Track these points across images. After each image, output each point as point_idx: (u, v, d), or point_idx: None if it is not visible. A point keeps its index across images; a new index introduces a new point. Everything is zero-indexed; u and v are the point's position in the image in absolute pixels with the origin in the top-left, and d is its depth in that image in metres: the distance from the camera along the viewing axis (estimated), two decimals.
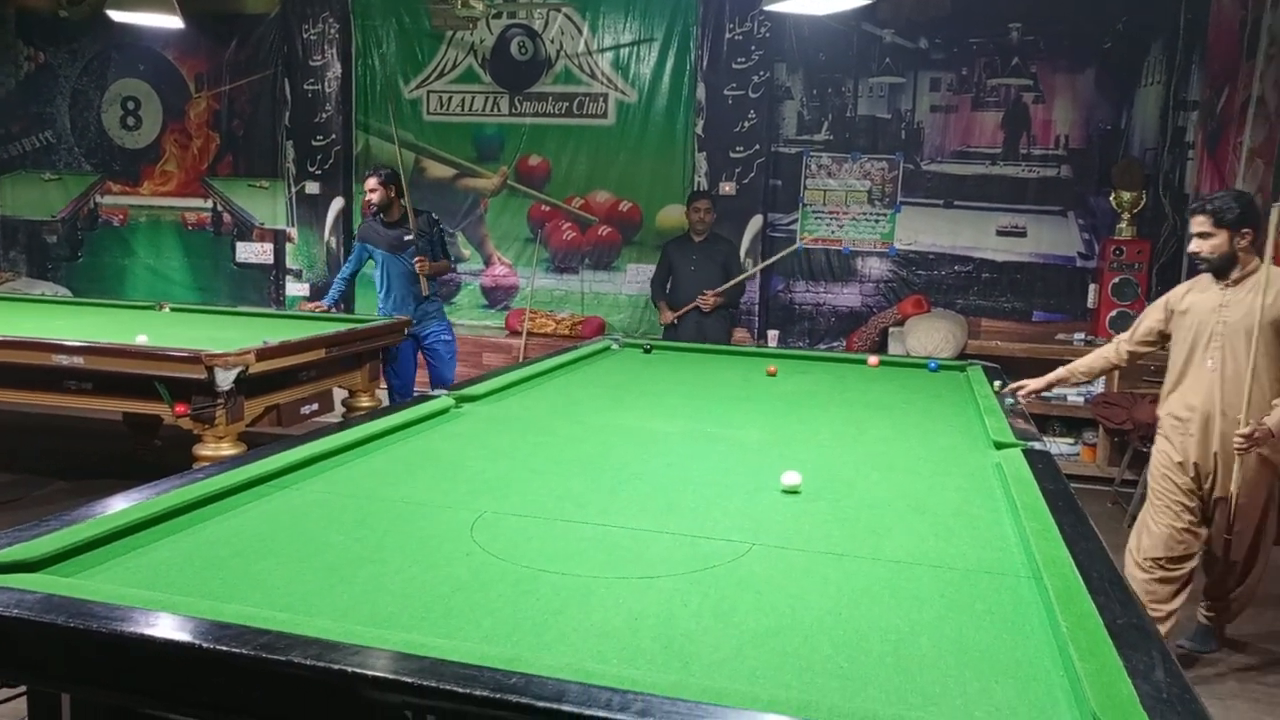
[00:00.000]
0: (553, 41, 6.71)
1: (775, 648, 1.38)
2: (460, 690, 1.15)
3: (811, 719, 1.12)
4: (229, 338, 4.21)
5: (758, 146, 6.35)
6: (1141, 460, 4.80)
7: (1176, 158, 5.90)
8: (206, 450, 3.83)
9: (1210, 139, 5.67)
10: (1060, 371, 3.69)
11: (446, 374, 5.50)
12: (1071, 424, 5.80)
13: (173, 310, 5.55)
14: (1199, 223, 3.30)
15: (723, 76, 6.36)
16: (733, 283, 5.49)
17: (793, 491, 2.16)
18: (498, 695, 1.14)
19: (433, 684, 1.16)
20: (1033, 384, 3.64)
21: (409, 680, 1.17)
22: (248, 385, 3.92)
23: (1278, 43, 4.90)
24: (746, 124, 6.33)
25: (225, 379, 3.74)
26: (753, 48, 6.28)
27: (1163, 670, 1.27)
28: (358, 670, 1.20)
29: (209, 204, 7.57)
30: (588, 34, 6.64)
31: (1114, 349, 3.67)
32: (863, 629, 1.45)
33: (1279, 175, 4.74)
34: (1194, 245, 3.34)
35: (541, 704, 1.13)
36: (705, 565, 1.70)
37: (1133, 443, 4.91)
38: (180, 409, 3.86)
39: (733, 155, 6.38)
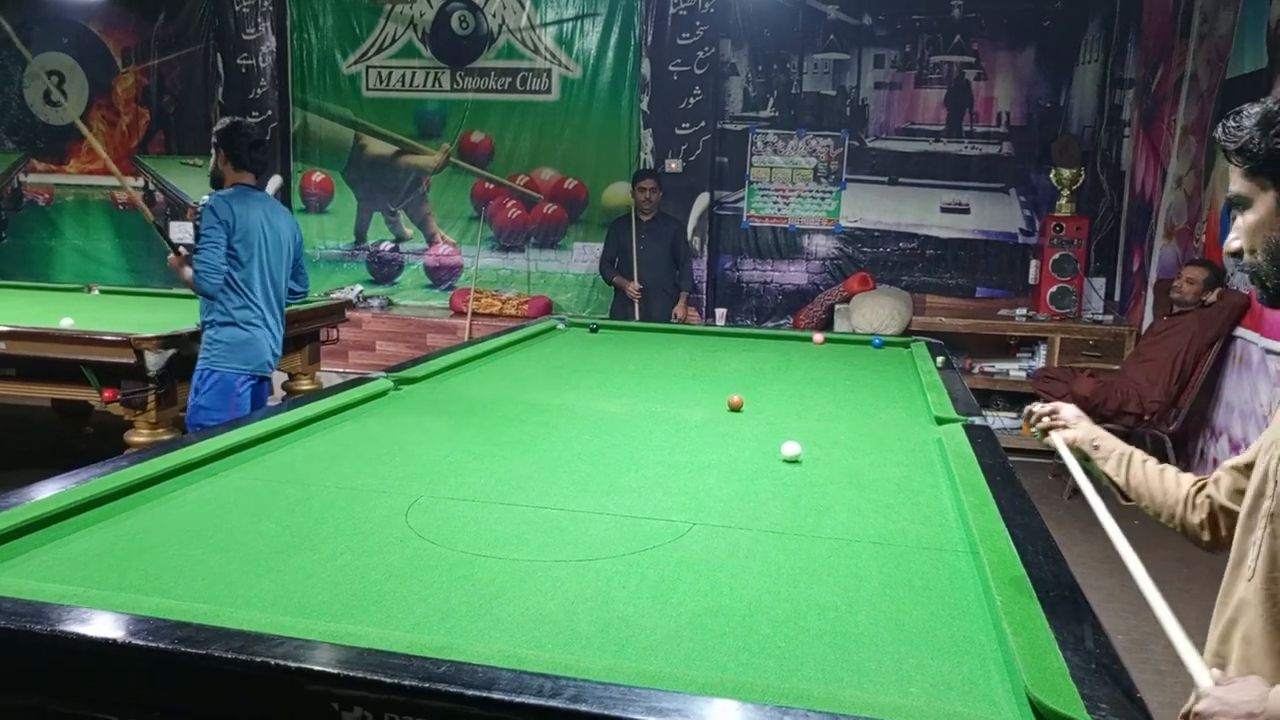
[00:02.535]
0: (494, 16, 6.59)
1: (713, 628, 1.37)
2: (387, 680, 1.12)
3: (746, 700, 1.11)
4: (161, 320, 4.08)
5: (704, 123, 6.31)
6: None
7: (1113, 135, 6.00)
8: (139, 437, 3.72)
9: (1145, 116, 5.78)
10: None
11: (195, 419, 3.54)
12: (1014, 398, 5.90)
13: (102, 293, 5.37)
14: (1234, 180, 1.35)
15: (667, 52, 6.30)
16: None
17: (794, 461, 2.21)
18: (426, 684, 1.11)
19: (359, 674, 1.13)
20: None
21: (334, 671, 1.13)
22: (181, 369, 3.80)
23: (1209, 22, 4.99)
24: (692, 100, 6.29)
25: (156, 363, 3.64)
26: (697, 23, 6.23)
27: (1093, 641, 1.28)
28: (281, 663, 1.16)
29: (140, 182, 7.33)
30: (530, 8, 6.53)
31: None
32: (801, 607, 1.45)
33: (1211, 153, 4.84)
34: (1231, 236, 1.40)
35: (471, 692, 1.10)
36: (645, 546, 1.68)
37: None
38: (108, 394, 3.74)
39: (679, 132, 6.34)
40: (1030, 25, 5.99)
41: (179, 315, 4.25)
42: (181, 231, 5.44)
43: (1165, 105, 5.46)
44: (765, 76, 6.36)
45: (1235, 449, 4.27)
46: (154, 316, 4.27)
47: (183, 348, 3.72)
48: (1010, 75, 6.08)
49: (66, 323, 3.92)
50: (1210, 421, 4.65)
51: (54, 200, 7.46)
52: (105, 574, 1.50)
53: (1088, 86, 6.02)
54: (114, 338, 3.64)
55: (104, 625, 1.24)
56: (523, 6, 6.54)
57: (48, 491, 1.77)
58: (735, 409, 2.74)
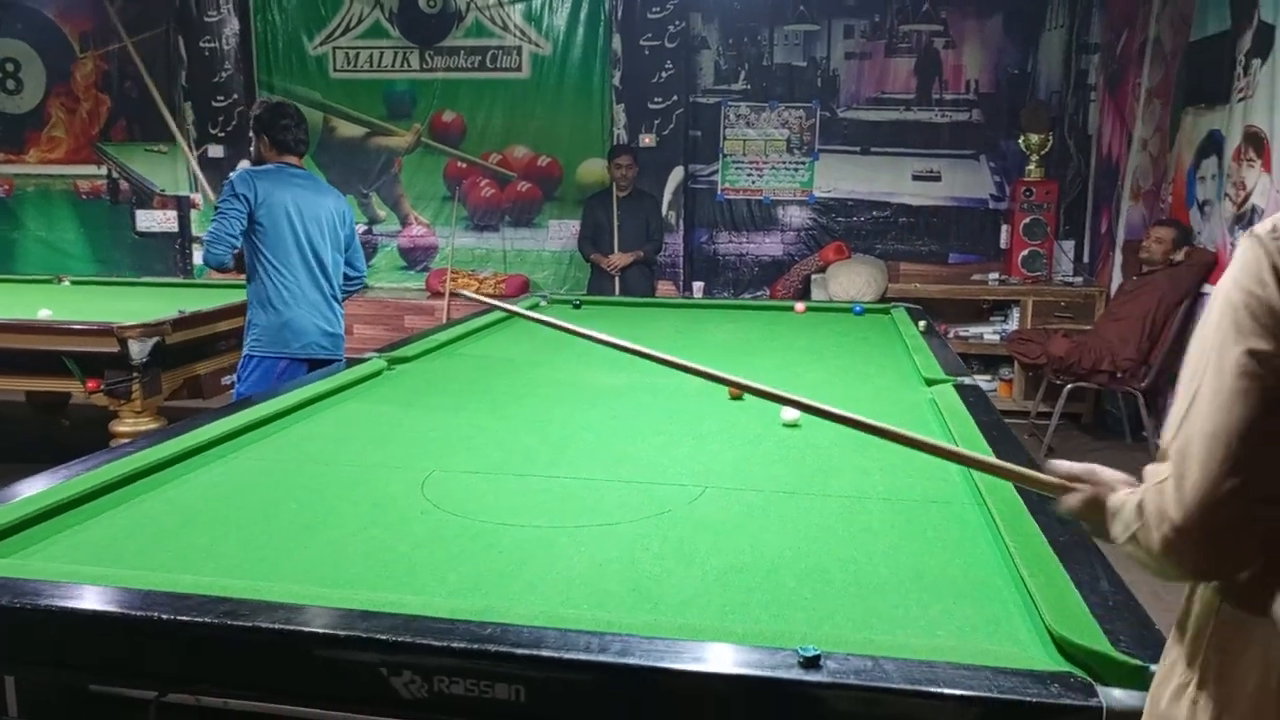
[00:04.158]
0: None
1: (740, 584, 1.41)
2: (437, 644, 1.14)
3: (784, 648, 1.15)
4: (139, 308, 4.03)
5: (676, 97, 6.31)
6: (1054, 393, 5.01)
7: (1080, 100, 6.09)
8: (124, 427, 3.68)
9: (1111, 81, 5.86)
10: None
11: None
12: (989, 361, 6.00)
13: (73, 283, 5.28)
14: None
15: (638, 26, 6.28)
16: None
17: (793, 426, 2.25)
18: (476, 646, 1.14)
19: (408, 639, 1.16)
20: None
21: (383, 638, 1.16)
22: (164, 357, 3.77)
23: None
24: (664, 74, 6.28)
25: (140, 351, 3.60)
26: None
27: (1107, 581, 1.34)
28: (328, 631, 1.18)
29: (103, 171, 7.19)
30: None
31: None
32: (822, 562, 1.49)
33: (1176, 116, 4.93)
34: None
35: (521, 651, 1.13)
36: (662, 510, 1.71)
37: (1047, 376, 5.12)
38: (92, 385, 3.70)
39: (651, 106, 6.33)
40: None
41: (158, 304, 4.20)
42: None
43: (1130, 69, 5.54)
44: (736, 49, 6.36)
45: None
46: (133, 305, 4.22)
47: (166, 336, 3.69)
48: (978, 43, 6.13)
49: (45, 314, 3.87)
50: (1180, 378, 4.78)
51: (14, 191, 7.30)
52: (132, 556, 1.51)
53: (1054, 52, 6.09)
54: (96, 327, 3.59)
55: (144, 602, 1.26)
56: None
57: (53, 481, 1.76)
58: (736, 396, 2.56)
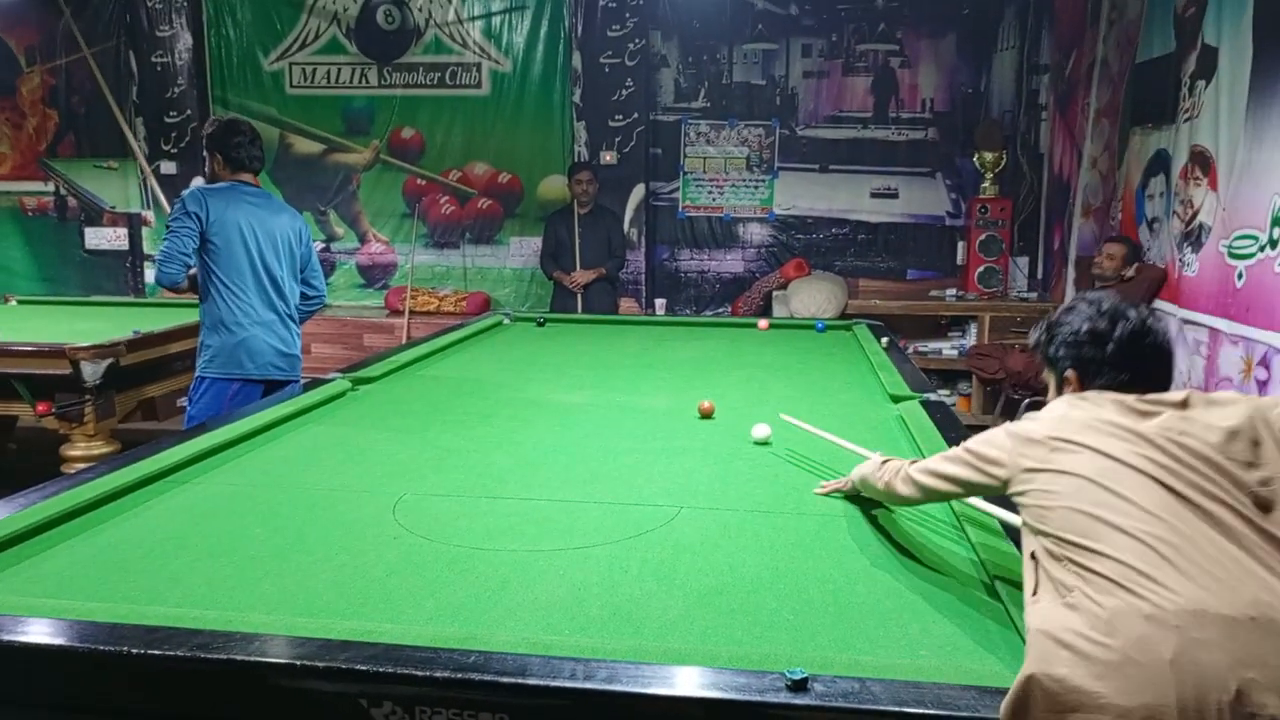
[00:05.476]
0: (420, 10, 6.49)
1: (721, 606, 1.40)
2: (419, 674, 1.12)
3: (771, 671, 1.14)
4: (91, 329, 3.94)
5: (636, 115, 6.33)
6: (1013, 407, 5.09)
7: (1032, 119, 6.22)
8: (76, 451, 3.59)
9: (1061, 100, 6.00)
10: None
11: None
12: (947, 376, 6.09)
13: (20, 303, 5.14)
14: None
15: (598, 44, 6.30)
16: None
17: (764, 443, 2.27)
18: (459, 675, 1.12)
19: (389, 669, 1.13)
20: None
21: (363, 668, 1.14)
22: (118, 379, 3.68)
23: (1119, 8, 5.21)
24: (624, 92, 6.31)
25: (94, 373, 3.51)
26: (627, 14, 6.24)
27: None
28: (306, 663, 1.16)
29: (50, 187, 7.02)
30: (457, 2, 6.46)
31: None
32: (801, 582, 1.49)
33: (1124, 135, 5.06)
34: None
35: (506, 680, 1.11)
36: (639, 531, 1.71)
37: (1005, 391, 5.20)
38: (42, 408, 3.59)
39: (612, 124, 6.35)
40: (950, 13, 6.16)
41: (109, 324, 4.11)
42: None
43: (1079, 89, 5.68)
44: (696, 67, 6.41)
45: None
46: (84, 325, 4.11)
47: (120, 357, 3.60)
48: (933, 62, 6.24)
49: None
50: None
51: None
52: (95, 587, 1.46)
53: (1006, 72, 6.22)
54: (47, 348, 3.49)
55: (111, 636, 1.22)
56: (449, 0, 6.46)
57: (7, 511, 1.70)
58: (706, 415, 2.56)
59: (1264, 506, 1.15)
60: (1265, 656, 1.01)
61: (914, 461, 1.58)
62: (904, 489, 1.55)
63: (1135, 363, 1.36)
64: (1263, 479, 1.17)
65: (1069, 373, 1.41)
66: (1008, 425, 1.37)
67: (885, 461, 1.69)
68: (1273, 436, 1.21)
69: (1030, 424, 1.33)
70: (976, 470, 1.36)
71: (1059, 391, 1.44)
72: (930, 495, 1.50)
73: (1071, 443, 1.24)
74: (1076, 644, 1.05)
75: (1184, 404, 1.27)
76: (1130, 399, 1.29)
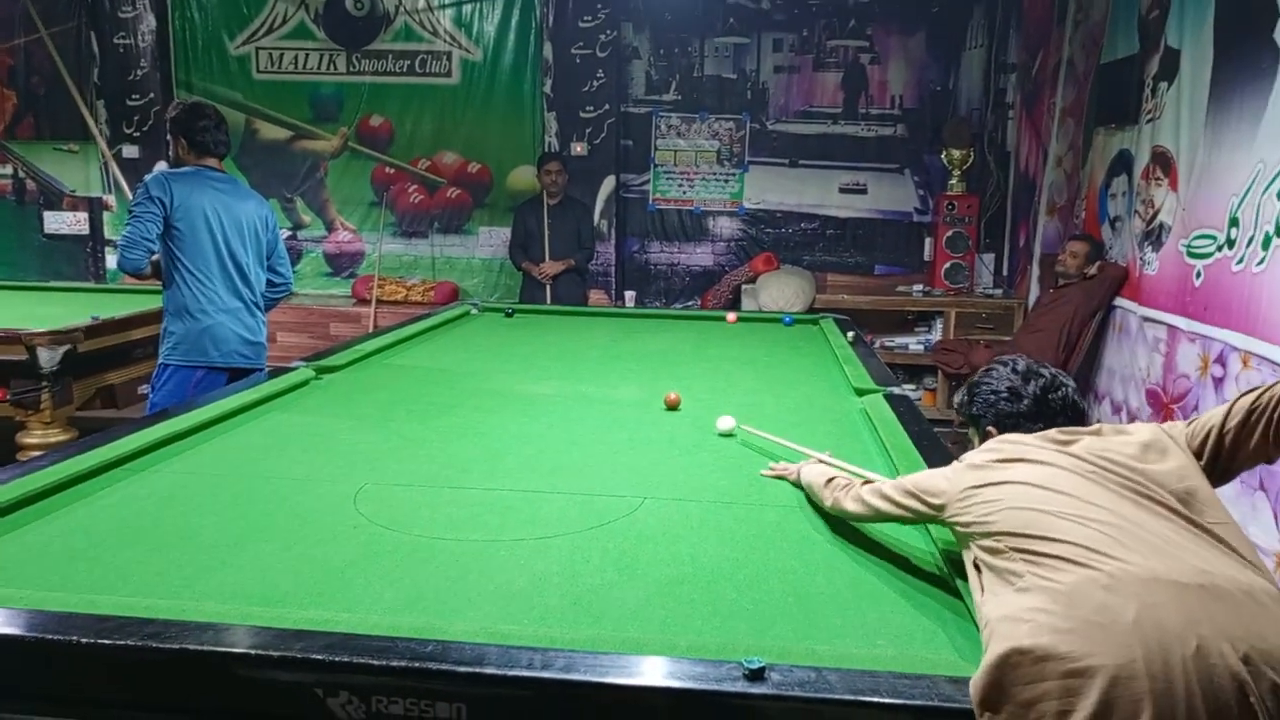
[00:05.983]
0: None
1: (681, 596, 1.41)
2: (375, 663, 1.12)
3: (729, 660, 1.15)
4: (48, 314, 3.86)
5: (607, 106, 6.31)
6: None
7: (999, 117, 6.28)
8: (33, 439, 3.52)
9: (1027, 99, 6.07)
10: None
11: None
12: (913, 371, 6.14)
13: None
14: None
15: (569, 35, 6.27)
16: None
17: (729, 435, 2.28)
18: (415, 664, 1.11)
19: (344, 658, 1.12)
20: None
21: (318, 657, 1.13)
22: (75, 365, 3.61)
23: (1085, 9, 5.27)
24: (595, 84, 6.28)
25: (50, 359, 3.44)
26: (599, 5, 6.22)
27: None
28: (260, 652, 1.14)
29: (8, 170, 6.87)
30: None
31: None
32: (761, 572, 1.50)
33: (1088, 135, 5.13)
34: None
35: (463, 669, 1.11)
36: (601, 521, 1.70)
37: None
38: None
39: (583, 115, 6.33)
40: (920, 10, 6.20)
41: (68, 309, 4.03)
42: None
43: (1045, 89, 5.74)
44: (667, 60, 6.40)
45: (1117, 411, 4.56)
46: (41, 310, 4.04)
47: (78, 343, 3.54)
48: (903, 59, 6.28)
49: None
50: (1094, 386, 4.95)
51: None
52: (45, 576, 1.44)
53: (974, 70, 6.28)
54: (2, 334, 3.42)
55: (59, 626, 1.19)
56: None
57: None
58: (672, 407, 2.56)
59: (1184, 501, 1.27)
60: (1215, 615, 1.07)
61: (866, 483, 1.64)
62: (853, 506, 1.61)
63: (1049, 415, 1.51)
64: (1178, 476, 1.30)
65: (990, 428, 1.55)
66: (953, 463, 1.48)
67: (831, 479, 1.73)
68: (1177, 445, 1.38)
69: (971, 455, 1.47)
70: (921, 502, 1.45)
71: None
72: (878, 516, 1.57)
73: (1010, 460, 1.37)
74: (1039, 619, 1.10)
75: (1098, 432, 1.41)
76: (1052, 432, 1.44)
